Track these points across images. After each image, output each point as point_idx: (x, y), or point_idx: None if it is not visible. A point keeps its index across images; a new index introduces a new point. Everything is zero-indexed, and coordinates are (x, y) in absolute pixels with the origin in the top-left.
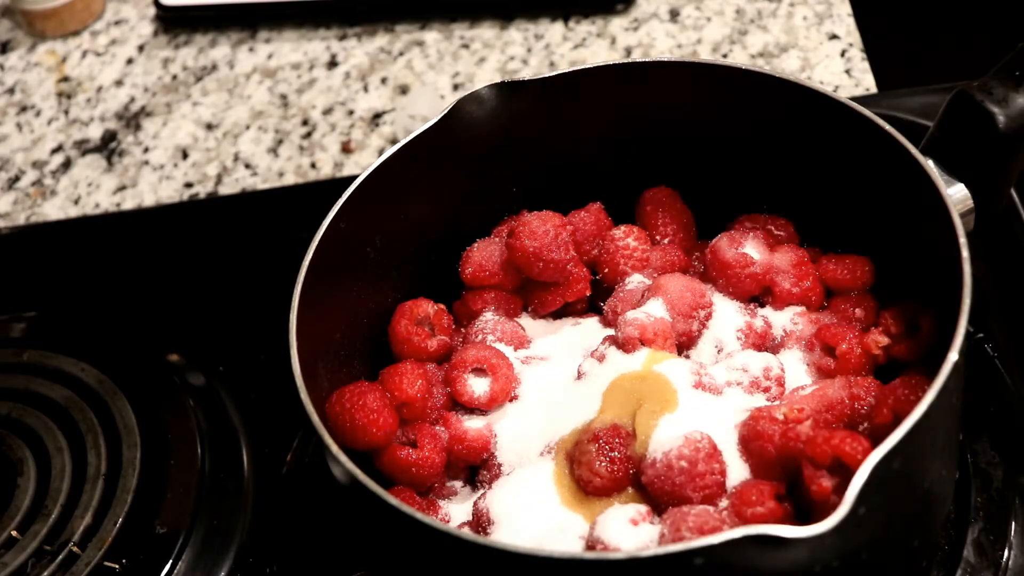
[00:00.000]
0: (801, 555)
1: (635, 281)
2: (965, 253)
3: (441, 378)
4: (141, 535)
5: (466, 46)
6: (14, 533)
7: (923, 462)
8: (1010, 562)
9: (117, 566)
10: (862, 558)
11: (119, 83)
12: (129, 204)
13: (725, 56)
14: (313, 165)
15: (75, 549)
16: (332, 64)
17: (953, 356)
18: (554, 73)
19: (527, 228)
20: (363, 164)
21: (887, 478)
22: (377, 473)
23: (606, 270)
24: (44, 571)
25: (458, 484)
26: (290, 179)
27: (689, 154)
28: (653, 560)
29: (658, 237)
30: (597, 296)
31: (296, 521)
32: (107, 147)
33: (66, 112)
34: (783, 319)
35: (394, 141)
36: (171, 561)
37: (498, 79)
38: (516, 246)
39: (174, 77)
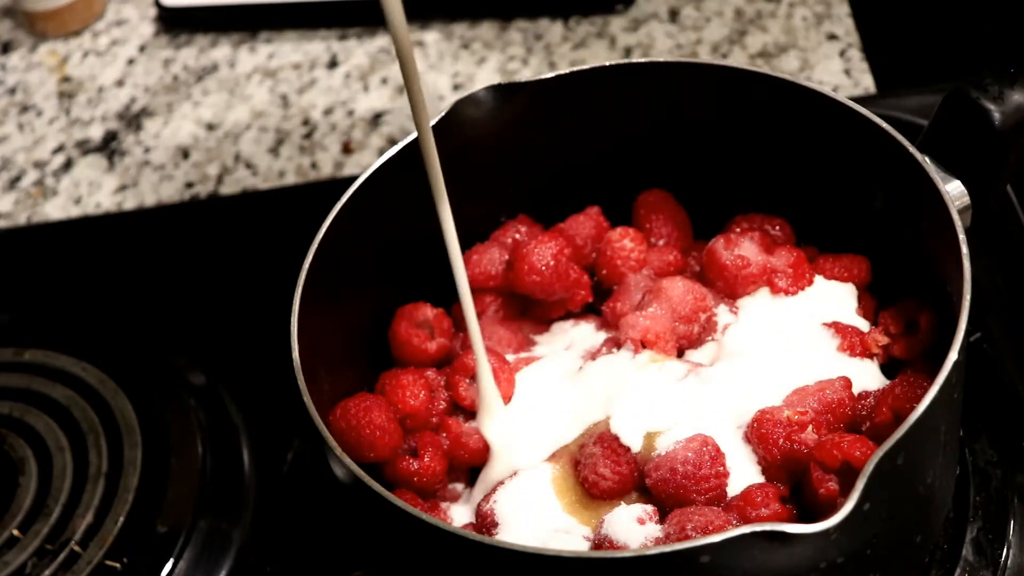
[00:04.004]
0: (806, 552)
1: (633, 282)
2: (965, 249)
3: (442, 383)
4: (142, 534)
5: (466, 46)
6: (16, 532)
7: (925, 458)
8: (1008, 560)
9: (118, 565)
10: (866, 554)
11: (120, 83)
12: (130, 204)
13: (724, 56)
14: (313, 165)
15: (76, 548)
16: (332, 64)
17: (955, 351)
18: (551, 75)
19: (527, 262)
20: (363, 164)
21: (891, 474)
22: (378, 476)
23: (604, 272)
24: (45, 570)
25: (460, 486)
26: (290, 179)
27: (688, 154)
28: (660, 558)
29: (653, 239)
30: (595, 297)
31: (296, 521)
32: (108, 147)
33: (67, 112)
34: None
35: (394, 141)
36: (172, 560)
37: (498, 79)
38: (518, 282)
39: (175, 77)
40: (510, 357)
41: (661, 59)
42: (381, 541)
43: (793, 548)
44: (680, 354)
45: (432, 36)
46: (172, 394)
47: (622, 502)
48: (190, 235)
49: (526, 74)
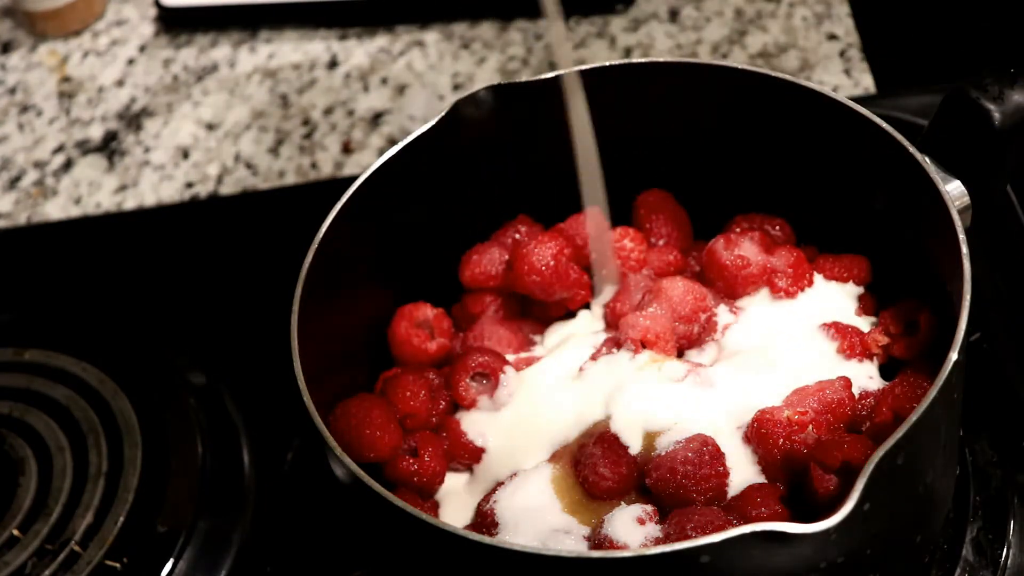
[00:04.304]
0: (806, 551)
1: (633, 282)
2: (965, 249)
3: (442, 383)
4: (142, 534)
5: (466, 46)
6: (16, 532)
7: (925, 458)
8: (1009, 560)
9: (118, 565)
10: (866, 554)
11: (120, 83)
12: (130, 204)
13: (724, 56)
14: (313, 165)
15: (76, 548)
16: (332, 64)
17: (955, 351)
18: (551, 75)
19: (527, 262)
20: (363, 164)
21: (891, 474)
22: (378, 476)
23: (604, 272)
24: (46, 570)
25: (460, 486)
26: (290, 179)
27: (688, 154)
28: (660, 558)
29: (653, 239)
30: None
31: (296, 521)
32: (108, 147)
33: (67, 112)
34: None
35: (394, 141)
36: (172, 560)
37: (498, 80)
38: (518, 282)
39: (175, 77)
40: (510, 357)
41: (661, 59)
42: (381, 541)
43: (793, 548)
44: (680, 354)
45: (432, 36)
46: (172, 394)
47: (622, 502)
48: (190, 235)
49: (526, 74)
